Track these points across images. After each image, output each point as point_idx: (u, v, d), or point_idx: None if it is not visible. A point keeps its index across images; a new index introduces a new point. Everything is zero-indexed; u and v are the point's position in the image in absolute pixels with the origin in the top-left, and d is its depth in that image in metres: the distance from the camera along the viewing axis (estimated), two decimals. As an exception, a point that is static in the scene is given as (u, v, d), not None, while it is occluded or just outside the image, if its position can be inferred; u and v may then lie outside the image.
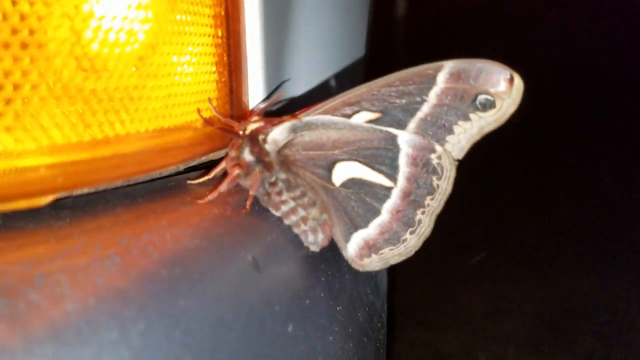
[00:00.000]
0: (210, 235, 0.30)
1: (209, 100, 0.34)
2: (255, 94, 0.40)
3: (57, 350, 0.20)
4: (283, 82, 0.40)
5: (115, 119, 0.27)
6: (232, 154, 0.35)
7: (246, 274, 0.29)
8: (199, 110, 0.33)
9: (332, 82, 0.47)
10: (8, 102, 0.24)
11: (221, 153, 0.39)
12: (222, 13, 0.34)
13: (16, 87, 0.24)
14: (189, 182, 0.37)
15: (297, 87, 0.46)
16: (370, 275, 0.45)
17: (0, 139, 0.24)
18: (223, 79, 0.35)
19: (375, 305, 0.47)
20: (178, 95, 0.31)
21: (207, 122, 0.33)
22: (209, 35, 0.34)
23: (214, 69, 0.34)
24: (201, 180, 0.37)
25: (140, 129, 0.28)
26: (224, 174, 0.36)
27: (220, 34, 0.35)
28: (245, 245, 0.31)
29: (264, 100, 0.38)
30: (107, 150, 0.27)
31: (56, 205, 0.29)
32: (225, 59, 0.35)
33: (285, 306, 0.32)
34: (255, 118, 0.35)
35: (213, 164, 0.39)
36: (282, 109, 0.42)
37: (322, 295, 0.36)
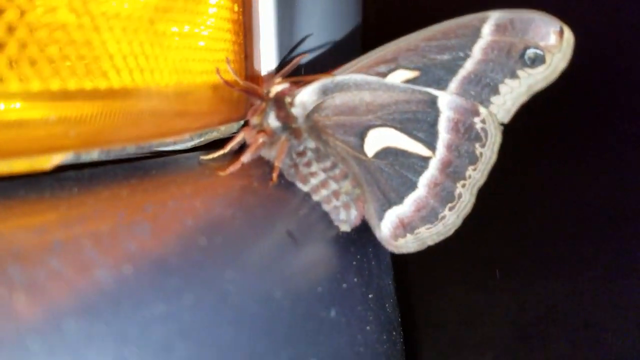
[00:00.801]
0: (243, 205, 0.25)
1: (227, 60, 0.29)
2: (268, 62, 0.36)
3: (92, 326, 0.16)
4: (299, 43, 0.36)
5: (134, 65, 0.22)
6: (254, 120, 0.30)
7: (286, 248, 0.25)
8: (218, 70, 0.29)
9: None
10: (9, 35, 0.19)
11: (233, 128, 0.35)
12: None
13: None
14: (202, 158, 0.32)
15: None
16: (389, 265, 0.42)
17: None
18: (239, 41, 0.31)
19: (395, 298, 0.43)
20: (198, 50, 0.26)
21: (228, 83, 0.29)
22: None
23: (231, 27, 0.30)
24: (216, 155, 0.32)
25: (160, 81, 0.24)
26: (240, 147, 0.32)
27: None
28: (279, 217, 0.27)
29: (283, 63, 0.34)
30: (121, 104, 0.23)
31: (59, 177, 0.25)
32: (241, 19, 0.31)
33: (326, 288, 0.27)
34: (279, 79, 0.30)
35: (224, 141, 0.35)
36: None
37: (355, 280, 0.32)
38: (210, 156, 0.32)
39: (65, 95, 0.20)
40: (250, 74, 0.34)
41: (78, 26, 0.20)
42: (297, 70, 0.35)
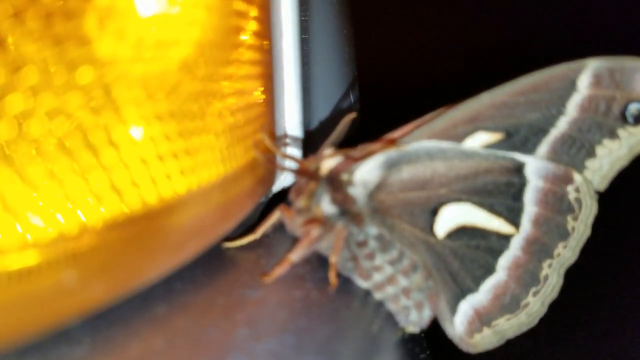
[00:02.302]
0: (315, 341, 0.18)
1: (262, 129, 0.22)
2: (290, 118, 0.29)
3: None
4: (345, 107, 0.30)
5: (174, 168, 0.15)
6: (301, 203, 0.24)
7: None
8: (257, 144, 0.21)
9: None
10: None
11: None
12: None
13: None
14: (226, 245, 0.25)
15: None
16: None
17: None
18: (269, 101, 0.24)
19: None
20: (240, 125, 0.19)
21: (270, 161, 0.22)
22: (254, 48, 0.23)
23: (262, 85, 0.23)
24: (245, 241, 0.25)
25: (204, 180, 0.17)
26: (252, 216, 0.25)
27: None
28: (360, 348, 0.20)
29: (327, 125, 0.27)
30: (152, 226, 0.15)
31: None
32: (272, 78, 0.24)
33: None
34: (329, 151, 0.24)
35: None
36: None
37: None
38: (238, 243, 0.25)
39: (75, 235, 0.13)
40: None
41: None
42: (315, 138, 0.29)
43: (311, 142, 0.28)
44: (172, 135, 0.16)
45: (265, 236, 0.27)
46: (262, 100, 0.23)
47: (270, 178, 0.26)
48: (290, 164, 0.25)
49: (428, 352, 0.28)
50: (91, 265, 0.15)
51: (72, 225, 0.14)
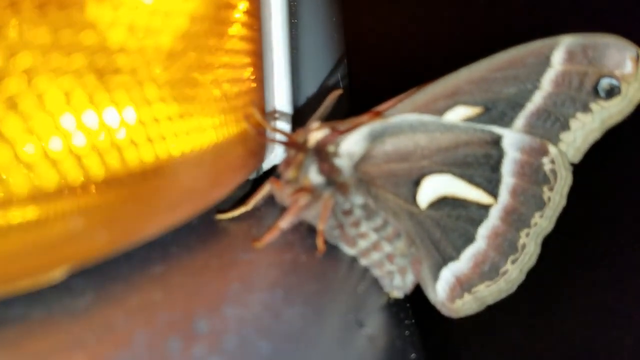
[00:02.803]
0: (304, 295, 0.20)
1: (252, 103, 0.24)
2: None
3: None
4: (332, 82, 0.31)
5: (168, 130, 0.16)
6: (289, 175, 0.25)
7: (364, 348, 0.20)
8: (247, 116, 0.23)
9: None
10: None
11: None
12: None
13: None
14: (218, 216, 0.26)
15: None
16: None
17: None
18: (259, 77, 0.25)
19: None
20: (230, 96, 0.21)
21: (260, 133, 0.23)
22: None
23: (251, 60, 0.24)
24: (237, 213, 0.26)
25: (197, 145, 0.18)
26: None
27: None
28: (345, 304, 0.21)
29: (315, 102, 0.29)
30: (151, 185, 0.17)
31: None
32: (261, 55, 0.25)
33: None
34: (316, 124, 0.25)
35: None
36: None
37: (414, 356, 0.27)
38: (230, 214, 0.26)
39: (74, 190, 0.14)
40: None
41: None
42: (304, 114, 0.30)
43: (300, 119, 0.30)
44: (167, 99, 0.17)
45: (256, 209, 0.28)
46: (252, 76, 0.25)
47: (260, 152, 0.27)
48: (279, 136, 0.26)
49: (413, 320, 0.30)
50: (93, 220, 0.16)
51: (75, 178, 0.15)
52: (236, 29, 0.22)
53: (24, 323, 0.16)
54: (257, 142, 0.26)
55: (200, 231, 0.25)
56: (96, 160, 0.15)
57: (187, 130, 0.18)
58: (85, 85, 0.15)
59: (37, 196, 0.15)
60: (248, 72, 0.24)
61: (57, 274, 0.16)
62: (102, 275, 0.19)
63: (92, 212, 0.16)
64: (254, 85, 0.25)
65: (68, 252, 0.16)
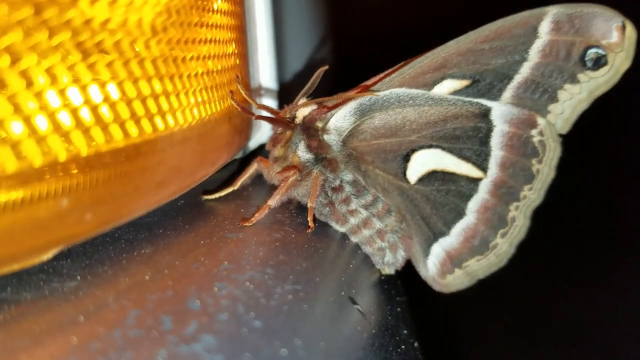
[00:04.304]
0: (295, 273, 0.19)
1: (238, 79, 0.23)
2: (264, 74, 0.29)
3: None
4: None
5: (153, 106, 0.16)
6: (277, 152, 0.24)
7: (356, 324, 0.19)
8: (232, 94, 0.22)
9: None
10: None
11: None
12: None
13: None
14: (204, 197, 0.26)
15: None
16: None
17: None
18: (244, 53, 0.25)
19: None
20: (214, 73, 0.20)
21: (246, 109, 0.22)
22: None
23: (235, 36, 0.24)
24: (223, 193, 0.26)
25: (182, 122, 0.17)
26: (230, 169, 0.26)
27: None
28: (337, 281, 0.21)
29: (301, 78, 0.28)
30: (136, 162, 0.16)
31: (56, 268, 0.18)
32: (245, 30, 0.24)
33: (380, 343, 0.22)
34: (304, 100, 0.24)
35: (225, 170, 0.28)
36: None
37: (406, 332, 0.27)
38: (216, 195, 0.26)
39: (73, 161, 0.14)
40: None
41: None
42: (289, 91, 0.29)
43: (286, 95, 0.29)
44: (150, 76, 0.17)
45: (243, 189, 0.28)
46: (236, 50, 0.24)
47: (246, 129, 0.26)
48: (265, 113, 0.25)
49: (405, 296, 0.30)
50: (79, 198, 0.16)
51: (61, 156, 0.14)
52: (219, 4, 0.21)
53: (15, 305, 0.15)
54: (243, 120, 0.25)
55: (187, 213, 0.25)
56: (81, 138, 0.15)
57: (172, 108, 0.18)
58: (69, 63, 0.14)
59: (23, 175, 0.14)
60: (232, 48, 0.23)
61: (46, 254, 0.16)
62: (90, 259, 0.18)
63: (78, 190, 0.15)
64: (238, 61, 0.24)
65: (56, 232, 0.15)
